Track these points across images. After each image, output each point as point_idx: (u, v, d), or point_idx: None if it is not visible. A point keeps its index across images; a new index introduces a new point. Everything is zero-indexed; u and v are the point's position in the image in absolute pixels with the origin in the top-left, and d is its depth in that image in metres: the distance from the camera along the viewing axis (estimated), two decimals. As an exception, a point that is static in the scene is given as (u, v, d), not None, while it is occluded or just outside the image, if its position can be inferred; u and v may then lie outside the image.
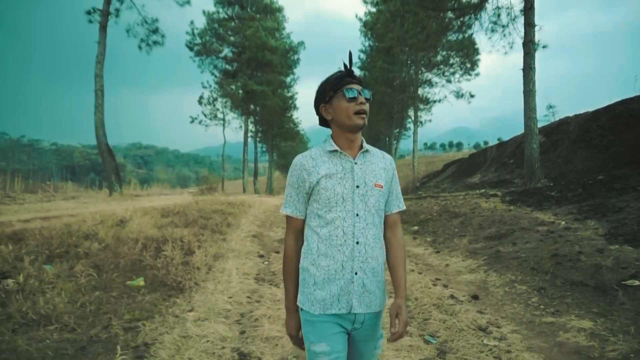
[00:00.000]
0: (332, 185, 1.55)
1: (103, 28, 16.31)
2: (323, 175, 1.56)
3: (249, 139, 33.88)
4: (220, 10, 32.39)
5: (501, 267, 4.76)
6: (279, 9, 34.19)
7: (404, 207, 1.71)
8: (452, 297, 4.04)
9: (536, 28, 10.86)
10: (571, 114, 15.50)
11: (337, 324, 1.53)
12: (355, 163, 1.58)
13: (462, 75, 26.99)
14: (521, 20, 11.36)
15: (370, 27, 29.10)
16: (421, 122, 30.18)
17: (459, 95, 27.36)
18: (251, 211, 10.87)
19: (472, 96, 27.08)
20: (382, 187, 1.59)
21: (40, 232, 6.08)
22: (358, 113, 1.53)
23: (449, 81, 27.89)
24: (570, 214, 6.73)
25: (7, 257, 5.04)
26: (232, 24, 31.95)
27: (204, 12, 31.35)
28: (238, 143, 39.71)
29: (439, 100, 29.37)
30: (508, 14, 12.13)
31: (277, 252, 6.61)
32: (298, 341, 1.64)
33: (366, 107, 1.55)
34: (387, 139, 35.26)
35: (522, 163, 12.20)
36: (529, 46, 10.69)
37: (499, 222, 7.09)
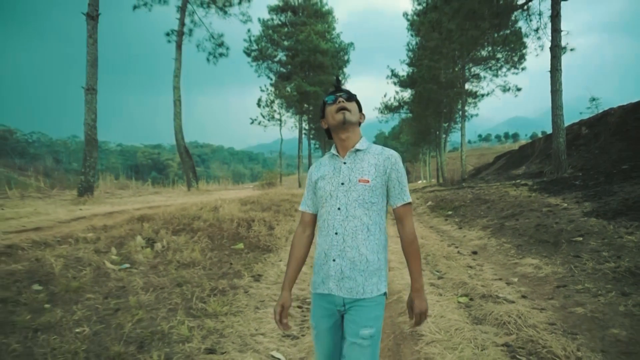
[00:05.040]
0: (323, 184, 1.78)
1: (179, 46, 18.94)
2: (319, 177, 1.82)
3: (303, 137, 36.12)
4: (274, 17, 34.77)
5: (500, 235, 6.47)
6: (329, 12, 36.04)
7: (409, 200, 1.76)
8: (458, 252, 5.83)
9: (562, 33, 12.04)
10: (615, 106, 16.22)
11: (325, 307, 1.75)
12: (344, 162, 1.76)
13: (508, 69, 27.54)
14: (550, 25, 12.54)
15: (416, 27, 30.16)
16: (468, 117, 31.03)
17: (505, 89, 28.03)
18: (311, 201, 12.91)
19: (518, 89, 27.63)
20: (367, 182, 1.70)
21: (162, 215, 8.36)
22: (338, 110, 1.74)
23: (495, 75, 28.56)
24: (575, 198, 8.13)
25: (148, 230, 7.29)
26: (286, 29, 34.27)
27: (259, 19, 33.81)
28: (291, 140, 42.04)
29: (487, 94, 30.17)
30: (538, 20, 13.32)
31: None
32: (277, 318, 1.80)
33: (346, 105, 1.75)
34: (437, 132, 36.11)
35: (568, 154, 13.36)
36: (556, 50, 11.90)
37: (517, 206, 8.60)
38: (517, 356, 2.65)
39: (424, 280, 1.78)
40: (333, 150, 1.82)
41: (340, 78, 1.97)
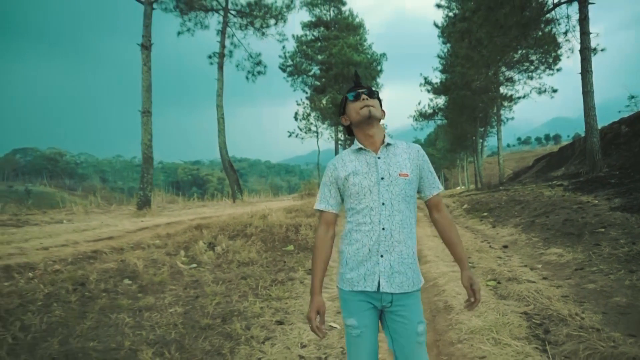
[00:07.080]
0: (358, 180, 1.72)
1: (220, 67, 20.15)
2: (350, 173, 1.75)
3: (339, 147, 36.89)
4: (308, 32, 35.93)
5: (530, 231, 6.96)
6: (360, 25, 36.86)
7: (442, 188, 1.83)
8: (490, 247, 6.38)
9: (592, 35, 12.29)
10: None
11: (366, 301, 1.69)
12: (379, 157, 1.74)
13: (543, 71, 27.23)
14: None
15: (447, 35, 30.43)
16: (504, 121, 30.89)
17: (540, 91, 27.79)
18: (350, 208, 13.61)
19: (554, 91, 27.34)
20: (407, 176, 1.72)
21: (217, 223, 9.26)
22: (363, 107, 1.74)
23: (530, 78, 28.34)
24: (607, 195, 8.43)
25: (207, 236, 8.18)
26: (319, 44, 35.33)
27: (293, 36, 35.05)
28: (326, 150, 42.96)
29: (524, 97, 29.93)
30: (566, 24, 13.60)
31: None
32: (314, 326, 1.70)
33: (370, 102, 1.75)
34: (473, 137, 35.99)
35: (608, 153, 13.57)
36: (585, 52, 12.15)
37: (549, 205, 8.95)
38: (533, 320, 3.24)
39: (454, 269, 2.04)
40: (358, 144, 1.81)
41: (358, 73, 1.93)
